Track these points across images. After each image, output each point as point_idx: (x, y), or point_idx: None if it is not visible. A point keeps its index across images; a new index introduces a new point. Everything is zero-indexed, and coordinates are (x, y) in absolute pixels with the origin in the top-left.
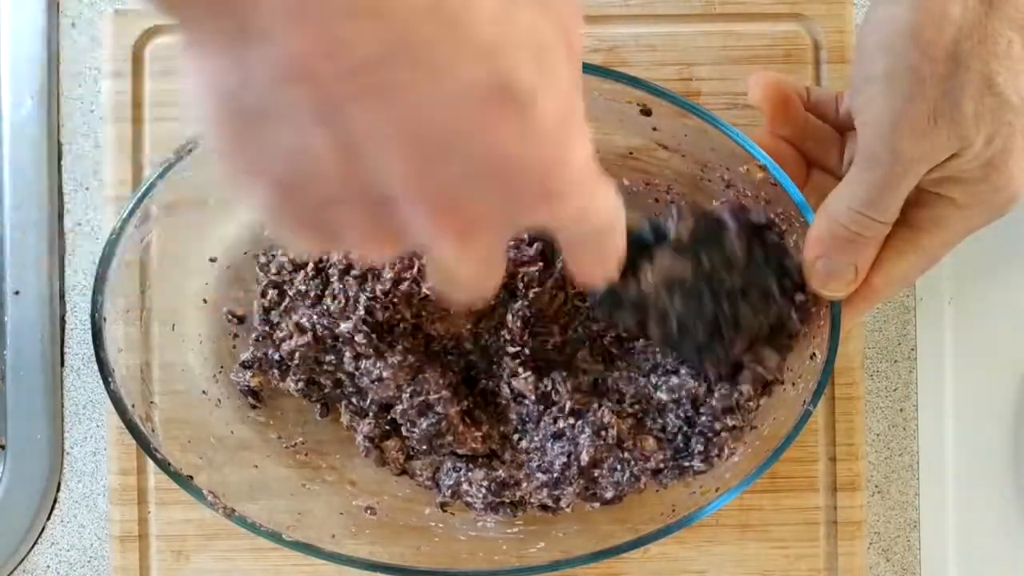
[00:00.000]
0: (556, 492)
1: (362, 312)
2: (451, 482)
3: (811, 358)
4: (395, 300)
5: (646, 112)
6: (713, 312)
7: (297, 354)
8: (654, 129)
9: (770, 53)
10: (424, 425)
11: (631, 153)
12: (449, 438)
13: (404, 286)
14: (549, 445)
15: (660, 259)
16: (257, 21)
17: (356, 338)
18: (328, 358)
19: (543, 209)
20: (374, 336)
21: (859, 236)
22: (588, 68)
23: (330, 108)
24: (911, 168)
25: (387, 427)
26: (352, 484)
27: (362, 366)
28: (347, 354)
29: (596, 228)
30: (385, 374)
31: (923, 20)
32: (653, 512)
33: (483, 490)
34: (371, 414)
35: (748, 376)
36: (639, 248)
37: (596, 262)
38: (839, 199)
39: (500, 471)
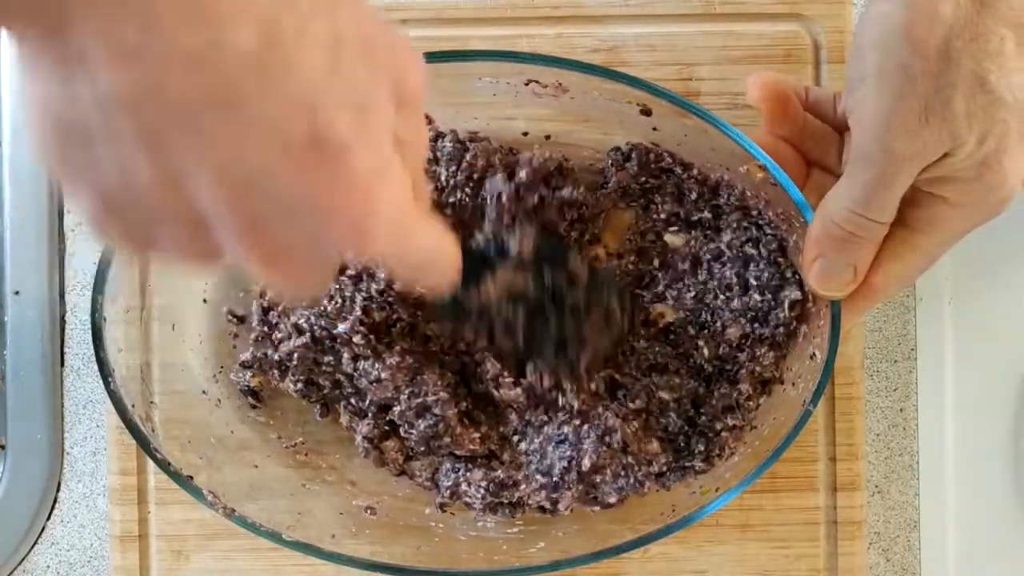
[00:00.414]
0: (555, 495)
1: (359, 312)
2: (450, 483)
3: (811, 358)
4: (391, 300)
5: (646, 112)
6: (557, 326)
7: (295, 355)
8: (654, 129)
9: (770, 53)
10: (422, 426)
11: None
12: (447, 439)
13: (398, 285)
14: (551, 448)
15: (502, 273)
16: (87, 53)
17: (354, 339)
18: (326, 359)
19: (353, 247)
20: (371, 337)
21: (855, 236)
22: (588, 68)
23: (151, 138)
24: (904, 167)
25: (386, 428)
26: (352, 484)
27: (360, 367)
28: (345, 355)
29: (414, 264)
30: (383, 375)
31: (914, 18)
32: (653, 512)
33: (482, 491)
34: (370, 415)
35: (746, 375)
36: (482, 261)
37: (420, 287)
38: (835, 199)
39: (499, 472)
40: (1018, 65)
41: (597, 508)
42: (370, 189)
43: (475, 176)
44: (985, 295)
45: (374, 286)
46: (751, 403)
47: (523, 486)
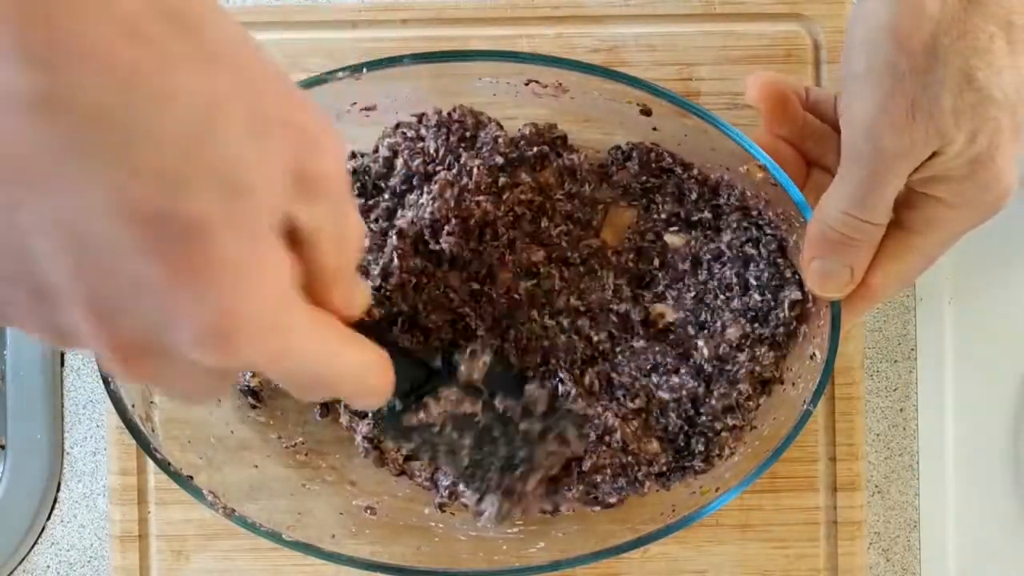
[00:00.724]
0: (555, 497)
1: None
2: (448, 482)
3: (811, 358)
4: (388, 294)
5: (646, 112)
6: (507, 451)
7: None
8: (654, 129)
9: (770, 53)
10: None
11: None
12: None
13: (394, 279)
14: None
15: (447, 393)
16: None
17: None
18: None
19: (212, 353)
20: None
21: (850, 238)
22: (588, 68)
23: (21, 267)
24: (893, 165)
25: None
26: (352, 484)
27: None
28: None
29: (301, 384)
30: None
31: (900, 15)
32: (653, 512)
33: (478, 492)
34: (370, 414)
35: (746, 375)
36: (428, 376)
37: (307, 396)
38: (829, 200)
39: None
40: (1008, 63)
41: (598, 508)
42: (231, 285)
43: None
44: (985, 295)
45: (368, 282)
46: (751, 403)
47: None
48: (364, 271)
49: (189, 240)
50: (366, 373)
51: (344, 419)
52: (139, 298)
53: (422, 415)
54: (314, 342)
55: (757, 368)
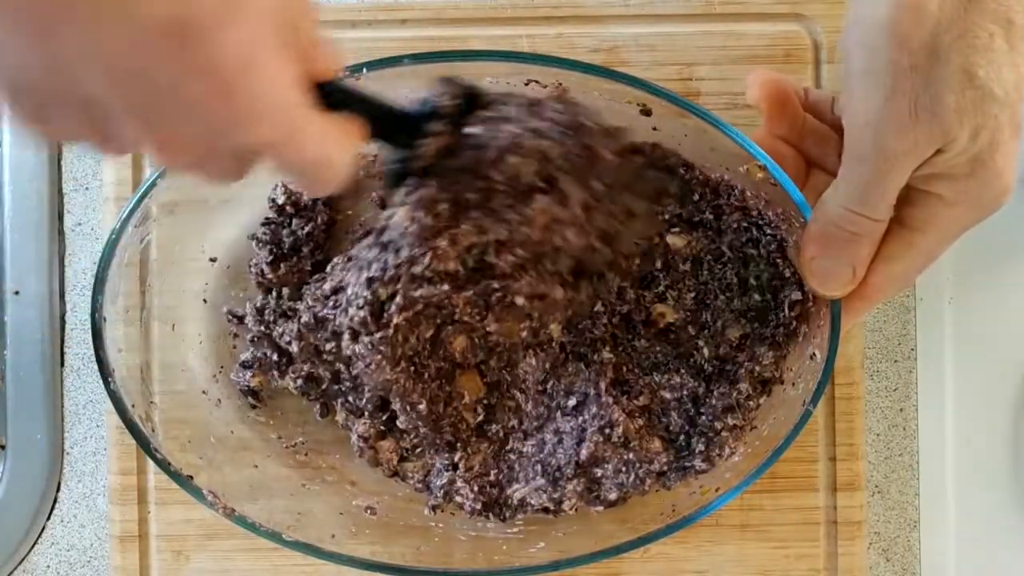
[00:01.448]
0: (556, 495)
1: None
2: (443, 482)
3: (811, 358)
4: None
5: (646, 112)
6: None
7: (296, 343)
8: (654, 129)
9: (770, 53)
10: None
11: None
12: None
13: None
14: (550, 445)
15: (433, 129)
16: None
17: (357, 302)
18: (328, 346)
19: (237, 134)
20: (374, 304)
21: (852, 235)
22: (588, 68)
23: (35, 32)
24: (897, 163)
25: (382, 427)
26: (352, 484)
27: (359, 349)
28: (346, 336)
29: (306, 159)
30: (383, 348)
31: (900, 15)
32: (653, 512)
33: (474, 492)
34: (367, 413)
35: (746, 375)
36: (416, 121)
37: (309, 186)
38: (831, 198)
39: (491, 474)
40: (1007, 61)
41: (600, 508)
42: (244, 72)
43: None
44: (985, 295)
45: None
46: (751, 403)
47: (516, 486)
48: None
49: (200, 43)
50: (350, 146)
51: (340, 417)
52: (171, 100)
53: (421, 157)
54: (315, 123)
55: (757, 368)
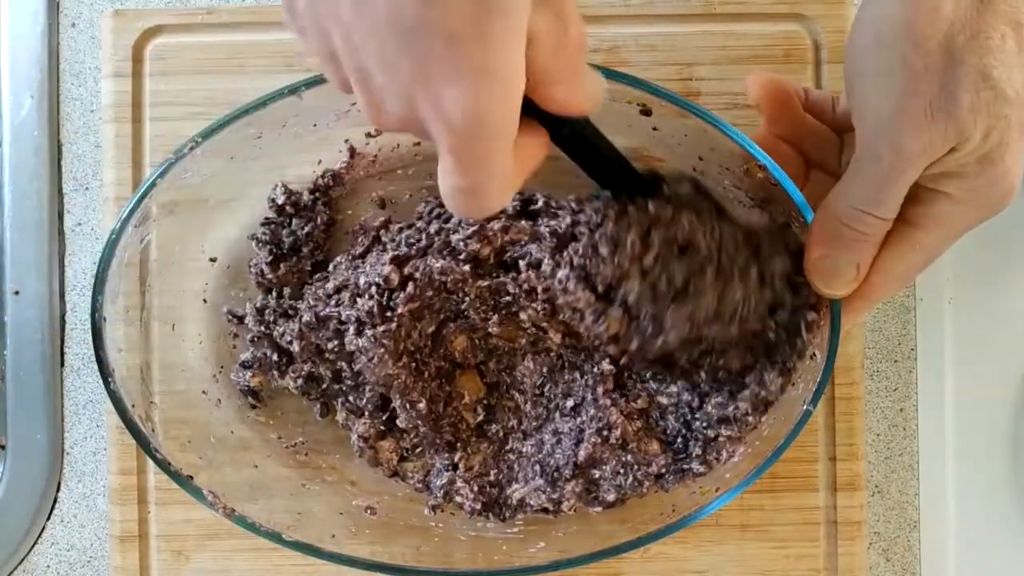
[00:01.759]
0: (555, 495)
1: (386, 269)
2: (442, 482)
3: (811, 358)
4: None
5: (646, 112)
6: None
7: (298, 342)
8: (654, 129)
9: (770, 53)
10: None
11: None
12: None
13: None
14: (549, 445)
15: (652, 203)
16: None
17: (370, 291)
18: (331, 344)
19: (447, 140)
20: (383, 296)
21: (861, 234)
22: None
23: (320, 26)
24: (912, 163)
25: (382, 427)
26: (352, 484)
27: (362, 343)
28: (351, 329)
29: (472, 187)
30: (386, 341)
31: (915, 16)
32: (653, 512)
33: (473, 492)
34: (367, 412)
35: (748, 395)
36: (637, 183)
37: (459, 208)
38: (839, 197)
39: (490, 474)
40: (1017, 62)
41: (599, 509)
42: (474, 86)
43: None
44: (985, 295)
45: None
46: (749, 418)
47: (516, 486)
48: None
49: (441, 45)
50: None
51: (340, 416)
52: (391, 78)
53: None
54: (506, 158)
55: (763, 392)
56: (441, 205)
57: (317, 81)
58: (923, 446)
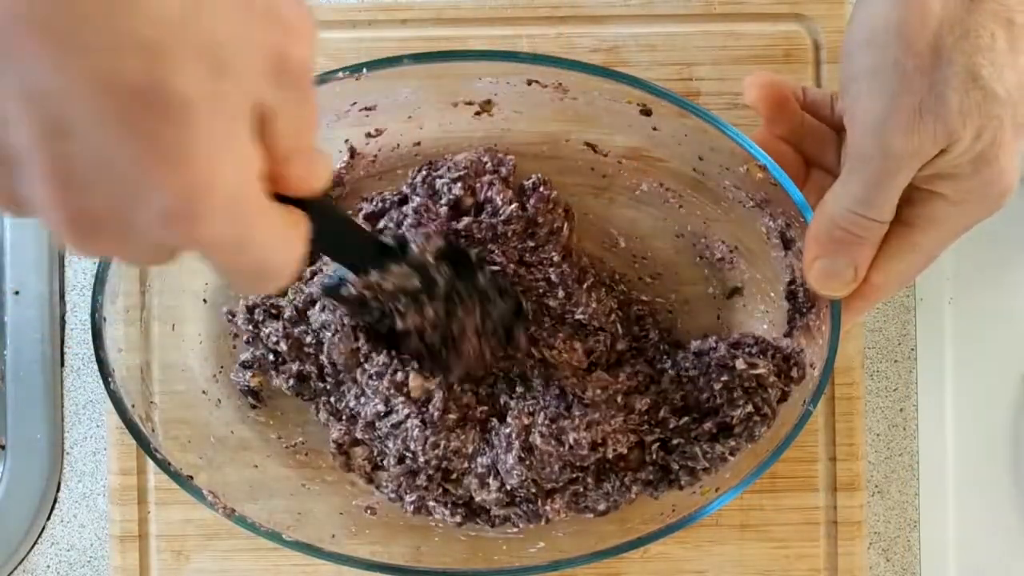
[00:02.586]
0: (533, 508)
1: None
2: (413, 498)
3: (811, 367)
4: None
5: (646, 112)
6: (439, 331)
7: (283, 343)
8: (654, 129)
9: (770, 53)
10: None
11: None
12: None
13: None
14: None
15: (396, 269)
16: None
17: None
18: (308, 339)
19: (173, 232)
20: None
21: (856, 236)
22: (588, 68)
23: None
24: (902, 164)
25: (357, 435)
26: (352, 484)
27: (324, 317)
28: (317, 306)
29: (249, 262)
30: (374, 371)
31: (905, 15)
32: (653, 512)
33: (447, 509)
34: (344, 418)
35: (740, 444)
36: (381, 251)
37: (241, 286)
38: (835, 199)
39: (459, 491)
40: (1008, 61)
41: (591, 515)
42: (206, 160)
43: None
44: (985, 295)
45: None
46: (737, 444)
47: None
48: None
49: (170, 115)
50: (298, 252)
51: (322, 417)
52: (106, 172)
53: (368, 283)
54: (271, 228)
55: (751, 444)
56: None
57: (318, 81)
58: (923, 446)
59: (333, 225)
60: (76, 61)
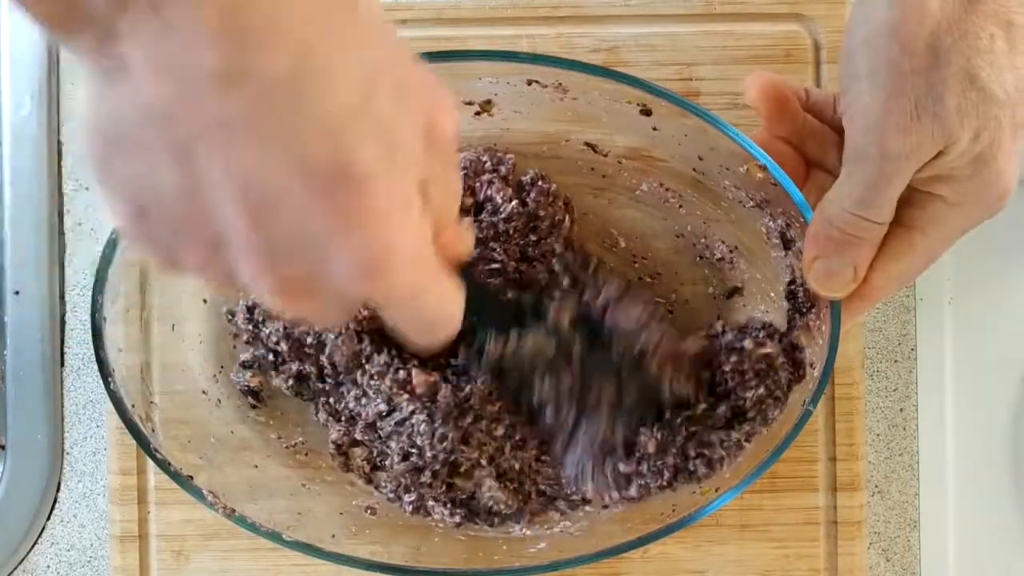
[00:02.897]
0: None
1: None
2: (412, 498)
3: (811, 367)
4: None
5: (646, 112)
6: (572, 402)
7: (283, 343)
8: (654, 129)
9: (770, 53)
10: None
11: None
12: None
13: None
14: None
15: (533, 334)
16: (130, 65)
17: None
18: (309, 339)
19: (364, 287)
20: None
21: (854, 237)
22: (588, 68)
23: (179, 149)
24: (900, 165)
25: (356, 436)
26: (352, 484)
27: (366, 379)
28: (330, 335)
29: (425, 317)
30: (375, 370)
31: (902, 16)
32: (654, 512)
33: (447, 508)
34: (343, 419)
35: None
36: (514, 318)
37: (420, 340)
38: (833, 200)
39: (468, 485)
40: (1007, 62)
41: (616, 495)
42: (389, 223)
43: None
44: (985, 295)
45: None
46: (747, 442)
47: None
48: None
49: (357, 188)
50: (459, 313)
51: (321, 417)
52: (305, 241)
53: (505, 347)
54: (440, 285)
55: (764, 429)
56: None
57: None
58: (923, 446)
59: (475, 289)
60: (275, 152)
